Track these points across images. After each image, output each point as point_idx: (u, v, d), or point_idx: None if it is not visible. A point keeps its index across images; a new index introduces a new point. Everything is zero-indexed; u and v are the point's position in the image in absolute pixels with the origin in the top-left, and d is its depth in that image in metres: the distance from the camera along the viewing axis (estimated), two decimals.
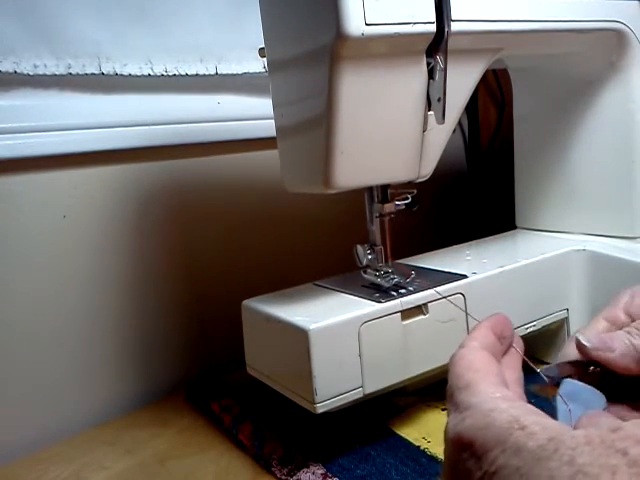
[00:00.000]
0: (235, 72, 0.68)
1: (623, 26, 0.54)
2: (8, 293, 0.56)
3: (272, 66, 0.47)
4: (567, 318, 0.57)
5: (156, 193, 0.64)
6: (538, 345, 0.59)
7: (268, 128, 0.51)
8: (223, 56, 0.67)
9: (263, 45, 0.47)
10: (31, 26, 0.56)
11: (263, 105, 0.66)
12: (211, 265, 0.69)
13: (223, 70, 0.67)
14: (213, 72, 0.66)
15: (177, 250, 0.66)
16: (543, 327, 0.55)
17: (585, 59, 0.58)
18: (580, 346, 0.32)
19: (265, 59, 0.47)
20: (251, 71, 0.69)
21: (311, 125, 0.43)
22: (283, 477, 0.44)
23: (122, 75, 0.60)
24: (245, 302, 0.51)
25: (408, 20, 0.39)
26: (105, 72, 0.59)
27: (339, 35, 0.37)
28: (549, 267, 0.55)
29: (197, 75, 0.65)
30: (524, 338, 0.55)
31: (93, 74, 0.59)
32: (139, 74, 0.62)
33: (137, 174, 0.63)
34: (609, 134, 0.58)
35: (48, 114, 0.58)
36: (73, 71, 0.58)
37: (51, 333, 0.58)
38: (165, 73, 0.63)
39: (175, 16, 0.64)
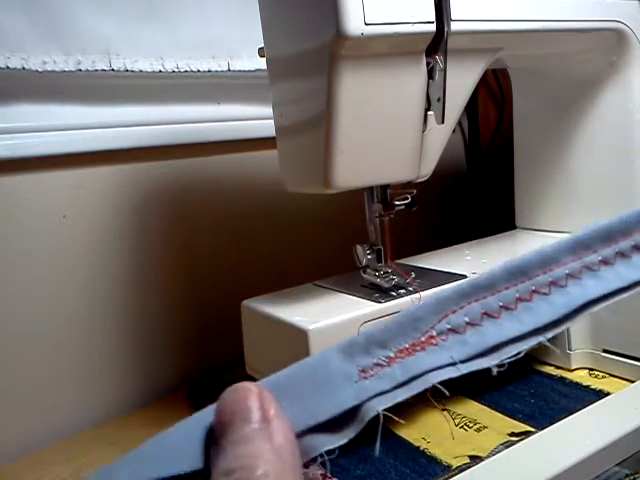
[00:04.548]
0: (248, 69, 0.67)
1: (623, 26, 0.54)
2: (8, 293, 0.56)
3: (271, 66, 0.47)
4: None
5: (156, 193, 0.64)
6: (538, 345, 0.59)
7: (268, 128, 0.51)
8: (235, 52, 0.67)
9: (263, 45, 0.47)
10: (39, 22, 0.55)
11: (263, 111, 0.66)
12: (211, 265, 0.69)
13: (235, 66, 0.67)
14: (225, 69, 0.66)
15: (177, 250, 0.66)
16: None
17: (585, 59, 0.58)
18: None
19: (264, 59, 0.47)
20: (263, 68, 0.68)
21: (311, 125, 0.43)
22: None
23: (132, 71, 0.60)
24: (245, 302, 0.51)
25: (408, 20, 0.39)
26: (115, 68, 0.59)
27: (338, 35, 0.37)
28: None
29: (209, 72, 0.65)
30: None
31: (103, 70, 0.58)
32: (150, 70, 0.61)
33: (137, 174, 0.63)
34: (609, 134, 0.58)
35: (48, 114, 0.58)
36: (83, 67, 0.57)
37: (51, 333, 0.58)
38: (177, 70, 0.62)
39: (186, 12, 0.64)
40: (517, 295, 0.21)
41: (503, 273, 0.21)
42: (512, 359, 0.21)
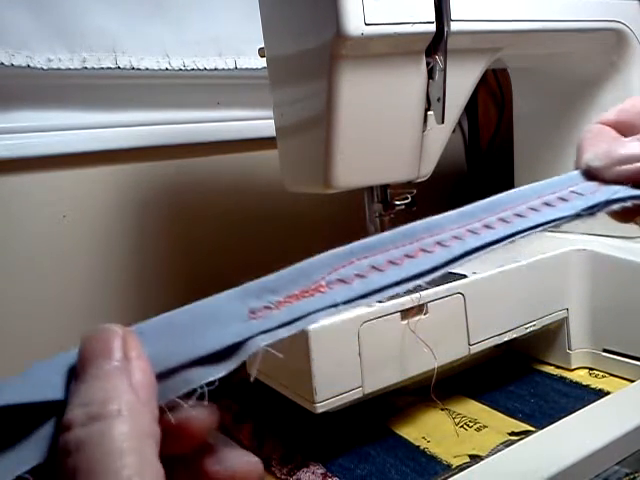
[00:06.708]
0: (255, 67, 0.67)
1: (623, 26, 0.54)
2: (8, 293, 0.56)
3: (272, 66, 0.47)
4: (567, 318, 0.56)
5: (156, 193, 0.64)
6: (538, 345, 0.59)
7: (268, 128, 0.51)
8: (242, 50, 0.66)
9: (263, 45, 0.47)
10: (44, 19, 0.55)
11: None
12: (211, 265, 0.69)
13: (242, 64, 0.66)
14: (232, 67, 0.66)
15: (177, 250, 0.66)
16: (543, 327, 0.55)
17: (585, 59, 0.58)
18: (592, 170, 0.27)
19: (265, 59, 0.47)
20: None
21: (311, 125, 0.44)
22: (283, 477, 0.44)
23: (138, 69, 0.59)
24: None
25: (408, 20, 0.39)
26: (121, 66, 0.58)
27: (339, 35, 0.37)
28: (549, 267, 0.55)
29: (216, 69, 0.65)
30: (524, 338, 0.55)
31: (109, 68, 0.58)
32: (156, 68, 0.61)
33: (137, 174, 0.63)
34: None
35: (48, 114, 0.58)
36: (88, 65, 0.57)
37: (51, 333, 0.58)
38: (183, 67, 0.62)
39: (192, 9, 0.63)
40: (404, 253, 0.22)
41: (392, 235, 0.23)
42: (390, 299, 0.22)
